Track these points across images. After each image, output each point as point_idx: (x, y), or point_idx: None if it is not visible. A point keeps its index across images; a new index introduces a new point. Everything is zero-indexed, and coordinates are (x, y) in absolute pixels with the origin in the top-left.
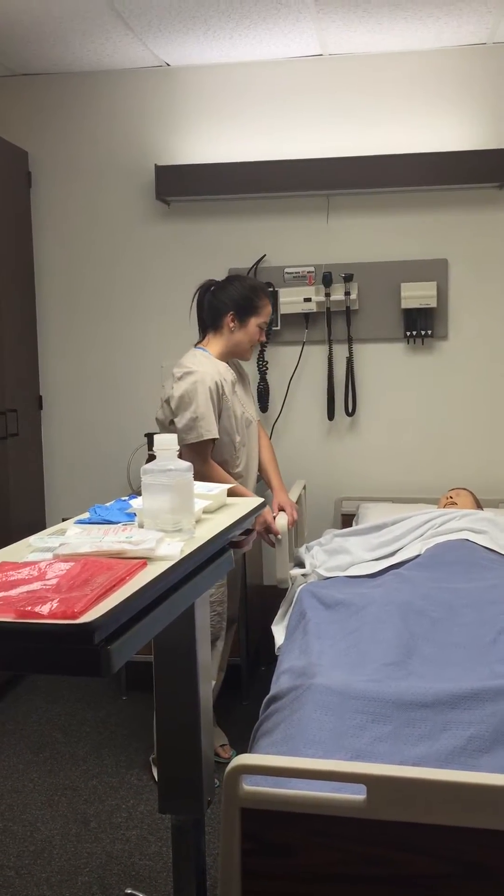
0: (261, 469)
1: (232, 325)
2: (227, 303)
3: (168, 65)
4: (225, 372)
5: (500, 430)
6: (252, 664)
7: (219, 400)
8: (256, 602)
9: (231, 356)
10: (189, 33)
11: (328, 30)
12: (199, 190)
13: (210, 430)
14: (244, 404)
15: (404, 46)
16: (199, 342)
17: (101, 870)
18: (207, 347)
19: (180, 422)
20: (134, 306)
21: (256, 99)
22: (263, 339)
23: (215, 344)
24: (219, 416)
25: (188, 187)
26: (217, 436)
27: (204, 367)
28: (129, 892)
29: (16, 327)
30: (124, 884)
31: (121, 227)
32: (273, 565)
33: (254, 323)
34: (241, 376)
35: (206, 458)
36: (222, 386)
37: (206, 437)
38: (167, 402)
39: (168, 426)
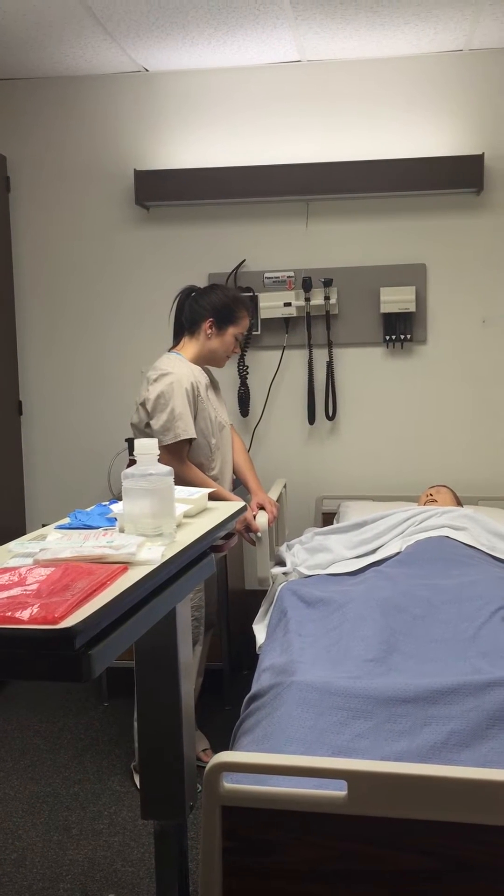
0: (237, 471)
1: (209, 331)
2: (208, 309)
3: (147, 70)
4: (199, 375)
5: (478, 431)
6: (234, 669)
7: (195, 401)
8: (238, 606)
9: (204, 362)
10: (168, 39)
11: (306, 36)
12: (179, 195)
13: (187, 430)
14: (216, 409)
15: (382, 53)
16: (173, 347)
17: (84, 877)
18: (182, 352)
19: (157, 423)
20: (113, 311)
21: (235, 104)
22: (238, 350)
23: (190, 348)
24: (195, 418)
25: (167, 192)
26: (194, 436)
27: (179, 368)
28: None
29: None
30: (107, 890)
31: (100, 231)
32: (254, 567)
33: (231, 332)
34: (212, 382)
35: (182, 459)
36: (197, 388)
37: (183, 437)
38: (142, 405)
39: (143, 430)
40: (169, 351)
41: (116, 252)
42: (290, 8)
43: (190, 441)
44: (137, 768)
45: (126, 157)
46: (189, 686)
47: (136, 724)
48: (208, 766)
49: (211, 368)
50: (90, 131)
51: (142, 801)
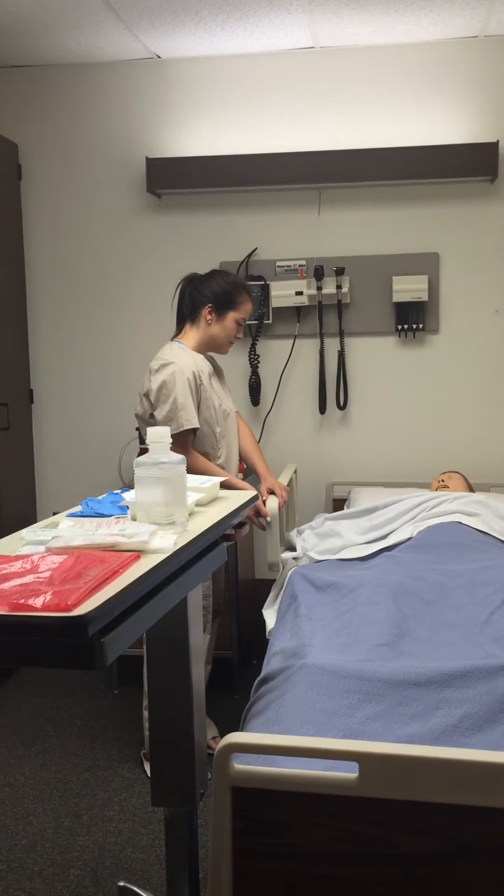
0: (245, 458)
1: (209, 317)
2: (207, 295)
3: (159, 57)
4: (201, 363)
5: (490, 420)
6: (243, 658)
7: (197, 390)
8: (247, 595)
9: (207, 349)
10: (180, 25)
11: (320, 22)
12: (191, 183)
13: (190, 420)
14: (221, 397)
15: (396, 39)
16: (175, 335)
17: (94, 863)
18: (183, 340)
19: (160, 413)
20: (125, 299)
21: (248, 91)
22: (240, 336)
23: (191, 336)
24: (198, 407)
25: (179, 180)
26: (197, 425)
27: (181, 358)
28: (121, 884)
29: (6, 321)
30: (117, 876)
31: (111, 219)
32: (264, 553)
33: (231, 317)
34: (215, 369)
35: (187, 448)
36: (200, 377)
37: (186, 427)
38: (146, 395)
39: (148, 420)
40: (171, 340)
41: (128, 240)
42: None
43: (194, 431)
44: (147, 756)
45: (138, 145)
46: (200, 672)
47: (146, 711)
48: (219, 747)
49: (217, 357)
50: (102, 119)
51: (152, 788)
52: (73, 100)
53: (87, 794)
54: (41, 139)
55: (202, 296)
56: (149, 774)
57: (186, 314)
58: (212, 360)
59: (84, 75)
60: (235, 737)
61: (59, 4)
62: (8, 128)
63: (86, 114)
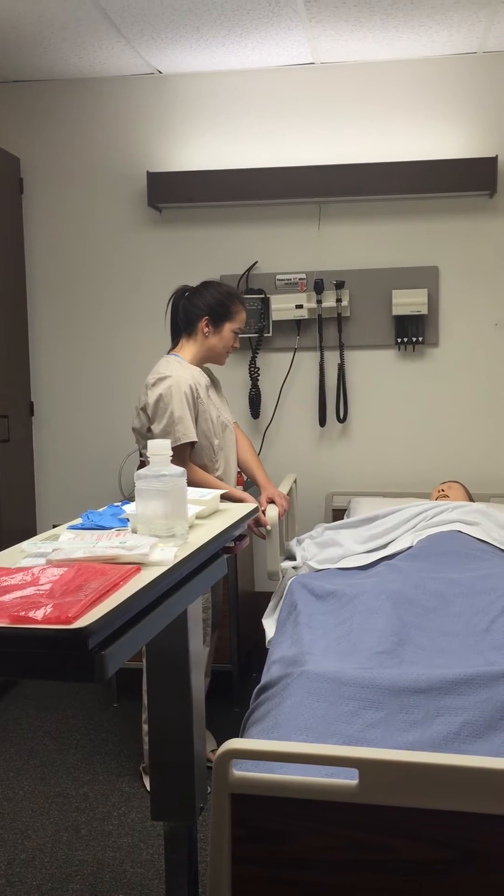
0: (244, 467)
1: (206, 330)
2: (202, 307)
3: (160, 72)
4: (198, 376)
5: (490, 433)
6: (243, 671)
7: (194, 403)
8: (247, 608)
9: (205, 361)
10: (181, 41)
11: (320, 38)
12: (191, 197)
13: (187, 434)
14: (219, 408)
15: (395, 55)
16: (171, 349)
17: (93, 877)
18: (180, 353)
19: (157, 427)
20: (125, 312)
21: (248, 106)
22: (238, 345)
23: (189, 349)
24: (195, 420)
25: (180, 194)
26: (195, 439)
27: (177, 372)
28: None
29: (7, 333)
30: (116, 891)
31: (112, 233)
32: (264, 565)
33: (228, 328)
34: (213, 381)
35: (185, 461)
36: (197, 390)
37: (183, 441)
38: (143, 409)
39: (145, 434)
40: (168, 353)
41: (129, 254)
42: (304, 10)
43: (192, 444)
44: (147, 769)
45: (139, 159)
46: (200, 685)
47: (145, 725)
48: (218, 754)
49: (215, 368)
50: (104, 133)
51: (151, 802)
52: (75, 114)
53: (86, 809)
54: (43, 153)
55: (197, 308)
56: (148, 788)
57: (182, 328)
58: (209, 372)
59: (85, 90)
60: (235, 743)
61: (61, 20)
62: (10, 142)
63: (87, 128)
